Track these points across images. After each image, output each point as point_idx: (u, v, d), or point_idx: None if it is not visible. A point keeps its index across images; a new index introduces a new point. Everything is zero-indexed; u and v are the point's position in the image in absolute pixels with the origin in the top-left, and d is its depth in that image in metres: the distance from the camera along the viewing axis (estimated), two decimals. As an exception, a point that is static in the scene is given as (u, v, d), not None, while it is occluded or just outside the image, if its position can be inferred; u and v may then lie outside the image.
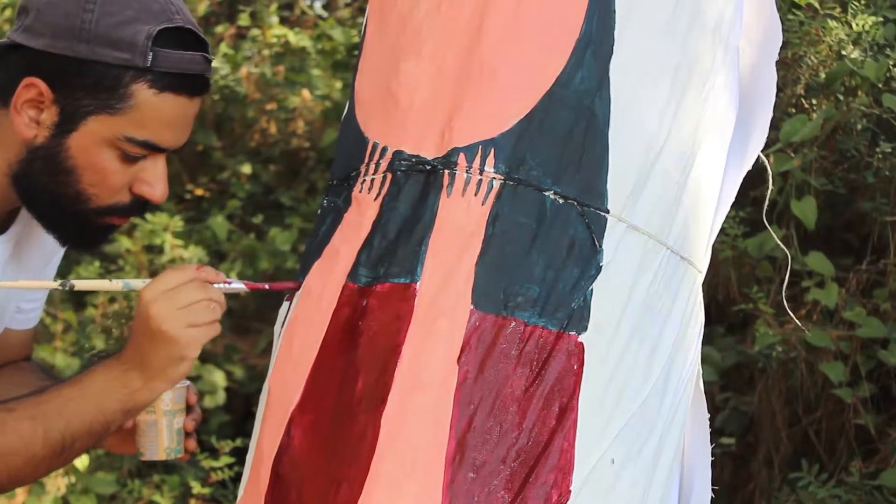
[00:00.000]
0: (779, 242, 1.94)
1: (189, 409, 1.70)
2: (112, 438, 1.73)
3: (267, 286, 1.67)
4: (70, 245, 1.73)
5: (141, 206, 1.67)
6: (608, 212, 1.52)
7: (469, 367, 1.46)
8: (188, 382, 1.70)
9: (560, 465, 1.44)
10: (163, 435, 1.65)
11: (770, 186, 1.76)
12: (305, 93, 4.98)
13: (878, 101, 3.12)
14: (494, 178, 1.51)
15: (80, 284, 1.64)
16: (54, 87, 1.58)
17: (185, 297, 1.55)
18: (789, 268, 2.17)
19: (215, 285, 1.59)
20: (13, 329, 1.86)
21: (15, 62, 1.60)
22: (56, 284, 1.61)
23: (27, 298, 1.85)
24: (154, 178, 1.64)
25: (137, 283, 1.60)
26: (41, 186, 1.63)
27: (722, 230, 1.73)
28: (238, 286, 1.63)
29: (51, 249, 1.78)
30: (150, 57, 1.57)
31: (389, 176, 1.56)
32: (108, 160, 1.61)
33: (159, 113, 1.60)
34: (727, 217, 1.69)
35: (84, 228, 1.68)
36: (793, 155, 3.13)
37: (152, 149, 1.62)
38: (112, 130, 1.59)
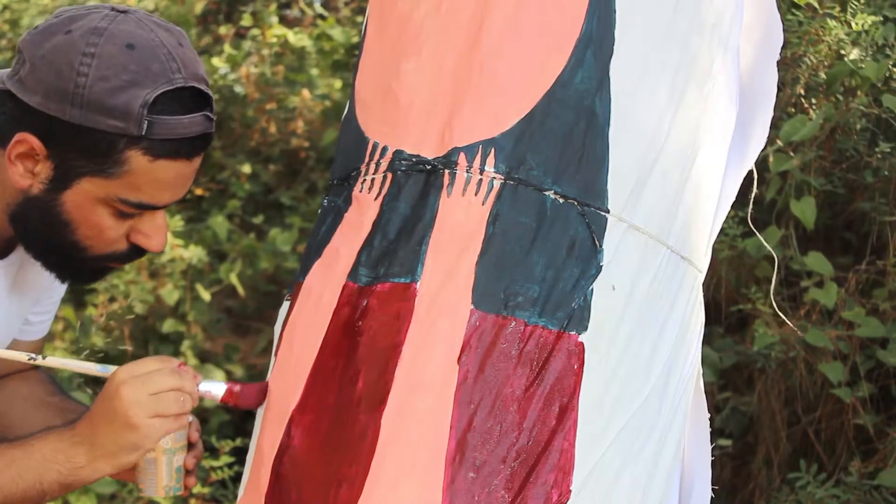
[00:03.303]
0: (766, 245, 1.95)
1: (190, 445, 1.66)
2: None
3: (238, 389, 1.61)
4: (66, 281, 1.70)
5: (139, 252, 1.64)
6: (608, 211, 1.52)
7: (469, 367, 1.46)
8: (191, 418, 1.68)
9: (560, 464, 1.44)
10: (162, 473, 1.62)
11: (754, 190, 1.76)
12: (305, 92, 4.98)
13: (878, 101, 3.13)
14: (495, 177, 1.51)
15: (52, 361, 1.62)
16: (48, 145, 1.54)
17: (158, 384, 1.52)
18: (775, 268, 2.17)
19: (199, 387, 1.57)
20: (21, 340, 1.84)
21: (11, 109, 1.56)
22: (25, 357, 1.59)
23: (35, 311, 1.83)
24: (152, 231, 1.61)
25: (112, 368, 1.57)
26: (37, 233, 1.61)
27: (721, 230, 1.73)
28: (217, 389, 1.60)
29: None
30: (145, 125, 1.51)
31: (390, 175, 1.56)
32: (104, 217, 1.58)
33: (155, 177, 1.55)
34: (726, 217, 1.70)
35: (81, 271, 1.66)
36: (792, 155, 3.14)
37: (148, 209, 1.59)
38: (106, 191, 1.56)
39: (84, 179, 1.55)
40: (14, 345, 1.81)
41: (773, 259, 3.28)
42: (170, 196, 1.59)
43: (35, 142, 1.54)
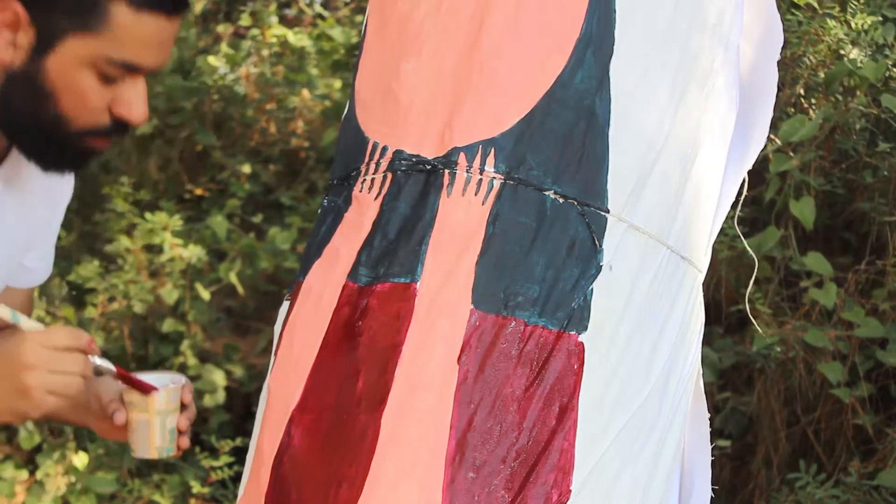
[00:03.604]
0: (746, 245, 1.96)
1: (183, 407, 1.68)
2: (104, 423, 1.72)
3: (132, 377, 1.65)
4: (51, 169, 1.70)
5: (122, 127, 1.65)
6: (608, 211, 1.52)
7: (469, 367, 1.46)
8: (184, 381, 1.70)
9: (560, 464, 1.44)
10: (154, 434, 1.65)
11: (744, 192, 1.77)
12: (305, 92, 4.99)
13: (877, 101, 3.13)
14: (494, 177, 1.51)
15: None
16: (31, 9, 1.56)
17: (64, 364, 1.54)
18: (754, 274, 2.18)
19: (91, 358, 1.58)
20: (15, 287, 1.84)
21: None
22: None
23: (33, 256, 1.84)
24: (133, 99, 1.63)
25: (27, 323, 1.57)
26: (20, 111, 1.61)
27: (721, 230, 1.74)
28: (108, 367, 1.62)
29: (56, 197, 1.77)
30: None
31: (390, 175, 1.57)
32: (87, 81, 1.59)
33: (138, 32, 1.58)
34: (726, 217, 1.70)
35: (64, 152, 1.66)
36: (792, 155, 3.14)
37: (131, 69, 1.61)
38: (90, 51, 1.57)
39: (68, 39, 1.57)
40: (7, 291, 1.81)
41: (773, 259, 3.28)
42: (153, 58, 1.61)
43: (18, 6, 1.56)
